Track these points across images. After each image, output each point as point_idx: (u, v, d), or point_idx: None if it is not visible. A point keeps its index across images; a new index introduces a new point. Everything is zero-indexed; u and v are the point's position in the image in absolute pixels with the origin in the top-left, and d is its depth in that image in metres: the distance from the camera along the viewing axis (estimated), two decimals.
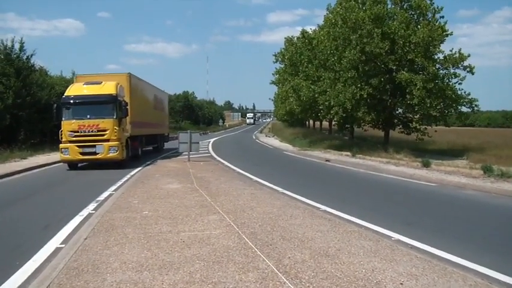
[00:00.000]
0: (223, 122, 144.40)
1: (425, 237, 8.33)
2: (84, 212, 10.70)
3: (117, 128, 21.17)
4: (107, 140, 21.04)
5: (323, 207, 11.24)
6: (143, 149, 28.65)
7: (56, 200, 13.47)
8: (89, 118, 21.10)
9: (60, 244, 7.92)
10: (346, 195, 14.35)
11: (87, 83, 22.74)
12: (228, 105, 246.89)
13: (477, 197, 14.15)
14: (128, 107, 22.54)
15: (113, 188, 14.88)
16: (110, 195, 13.40)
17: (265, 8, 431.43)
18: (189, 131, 25.32)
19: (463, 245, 8.10)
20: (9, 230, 9.59)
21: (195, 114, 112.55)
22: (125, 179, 17.36)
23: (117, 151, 21.06)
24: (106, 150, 20.95)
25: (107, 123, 21.11)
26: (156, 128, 32.85)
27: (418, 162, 23.00)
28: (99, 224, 8.98)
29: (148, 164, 23.38)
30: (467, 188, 15.58)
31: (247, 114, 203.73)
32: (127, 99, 23.23)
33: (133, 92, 24.93)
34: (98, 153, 21.00)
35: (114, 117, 21.27)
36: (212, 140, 53.52)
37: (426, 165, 21.66)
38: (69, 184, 17.54)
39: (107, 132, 21.10)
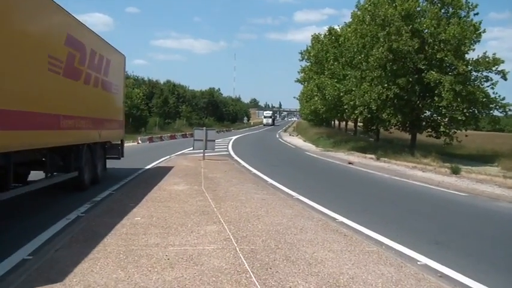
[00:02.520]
0: (248, 120, 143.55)
1: (457, 262, 7.07)
2: (72, 215, 9.56)
3: None
4: None
5: (340, 218, 10.00)
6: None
7: (47, 201, 12.30)
8: None
9: (29, 255, 6.79)
10: (367, 203, 13.03)
11: None
12: (254, 103, 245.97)
13: None
14: None
15: (115, 187, 13.80)
16: (109, 194, 12.34)
17: (292, 7, 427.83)
18: (204, 128, 24.06)
19: (504, 277, 6.79)
20: None
21: (220, 111, 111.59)
22: None
23: None
24: None
25: None
26: (82, 131, 12.66)
27: (447, 168, 21.66)
28: (80, 231, 7.85)
29: None
30: (502, 200, 14.22)
31: (264, 113, 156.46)
32: None
33: None
34: None
35: None
36: (234, 138, 52.41)
37: (455, 172, 20.30)
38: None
39: None
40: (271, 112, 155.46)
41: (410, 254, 7.40)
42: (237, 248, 6.95)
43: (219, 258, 6.42)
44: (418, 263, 6.96)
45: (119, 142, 17.32)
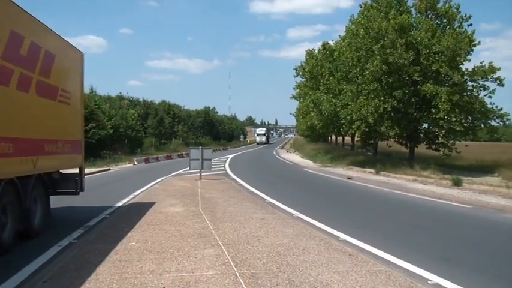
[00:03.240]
0: (245, 138, 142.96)
1: (468, 280, 6.70)
2: (64, 242, 9.19)
3: None
4: None
5: (343, 237, 9.62)
6: None
7: None
8: None
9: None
10: (369, 220, 12.64)
11: None
12: (250, 121, 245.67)
13: None
14: None
15: (109, 210, 13.42)
16: (103, 219, 11.95)
17: (285, 24, 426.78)
18: (200, 147, 23.67)
19: None
20: None
21: (216, 130, 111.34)
22: None
23: None
24: None
25: None
26: None
27: (448, 180, 21.34)
28: (71, 259, 7.45)
29: None
30: (508, 211, 13.84)
31: (257, 130, 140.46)
32: None
33: None
34: None
35: None
36: (231, 156, 52.04)
37: (457, 183, 19.97)
38: (62, 205, 15.71)
39: None
40: (264, 129, 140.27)
41: (419, 273, 7.01)
42: (236, 273, 6.55)
43: (218, 285, 6.03)
44: (429, 282, 6.57)
45: (77, 171, 12.30)
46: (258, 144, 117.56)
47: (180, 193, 16.85)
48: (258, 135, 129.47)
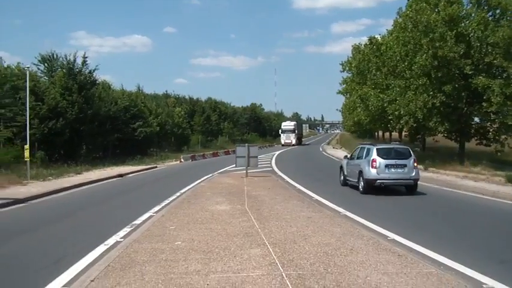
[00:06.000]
0: None
1: None
2: (111, 241, 9.26)
3: None
4: None
5: (391, 236, 9.39)
6: None
7: (85, 225, 11.99)
8: None
9: (63, 287, 6.44)
10: (417, 218, 12.34)
11: None
12: (296, 117, 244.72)
13: None
14: None
15: (156, 208, 13.51)
16: (150, 217, 12.01)
17: (328, 19, 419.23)
18: (246, 144, 23.59)
19: None
20: (13, 264, 8.17)
21: (262, 127, 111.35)
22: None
23: None
24: None
25: None
26: None
27: (501, 176, 20.54)
28: (118, 259, 7.45)
29: None
30: None
31: (283, 124, 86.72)
32: None
33: None
34: None
35: None
36: (277, 153, 51.92)
37: (511, 180, 19.19)
38: (111, 203, 16.16)
39: None
40: (293, 123, 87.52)
41: (473, 276, 6.73)
42: (283, 274, 6.41)
43: (264, 287, 5.91)
44: (484, 286, 6.29)
45: None
46: (283, 145, 77.87)
47: (226, 191, 16.82)
48: (283, 132, 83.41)
